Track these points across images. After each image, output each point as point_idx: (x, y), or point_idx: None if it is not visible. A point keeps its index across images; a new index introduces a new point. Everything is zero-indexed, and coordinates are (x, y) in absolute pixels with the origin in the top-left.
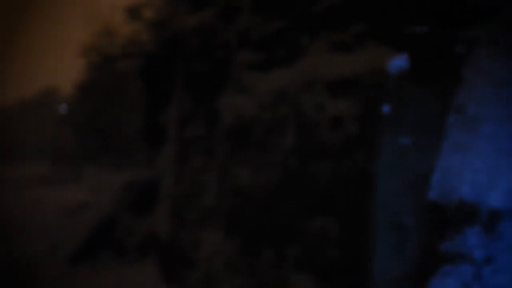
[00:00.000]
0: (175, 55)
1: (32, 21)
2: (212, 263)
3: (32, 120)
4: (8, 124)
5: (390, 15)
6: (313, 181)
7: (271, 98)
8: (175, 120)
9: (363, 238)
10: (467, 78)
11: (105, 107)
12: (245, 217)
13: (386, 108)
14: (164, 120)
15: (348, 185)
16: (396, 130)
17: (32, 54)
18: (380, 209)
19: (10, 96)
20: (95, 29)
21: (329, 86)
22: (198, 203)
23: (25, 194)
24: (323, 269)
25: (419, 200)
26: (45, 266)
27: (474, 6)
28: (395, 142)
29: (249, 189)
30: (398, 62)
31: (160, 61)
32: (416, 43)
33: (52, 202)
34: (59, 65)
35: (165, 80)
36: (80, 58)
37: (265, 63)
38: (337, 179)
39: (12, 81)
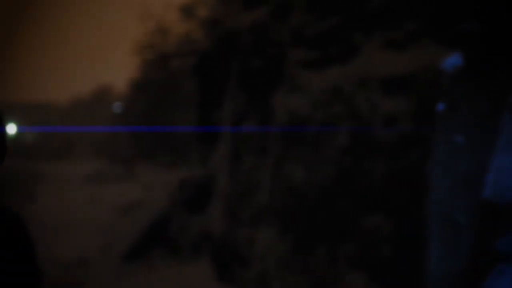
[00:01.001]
0: (229, 53)
1: (86, 20)
2: (266, 261)
3: (86, 118)
4: (63, 122)
5: (444, 13)
6: (367, 179)
7: (324, 96)
8: (228, 118)
9: (417, 236)
10: None
11: (159, 105)
12: (298, 215)
13: (440, 106)
14: (217, 118)
15: (402, 183)
16: (450, 128)
17: (87, 53)
18: (434, 207)
19: (65, 94)
20: (149, 27)
21: (383, 84)
22: (252, 201)
23: (79, 192)
24: (377, 267)
25: (473, 199)
26: (100, 264)
27: None
28: (449, 140)
29: (303, 187)
30: (452, 60)
31: (213, 59)
32: (470, 41)
33: (106, 200)
34: (113, 63)
35: (219, 78)
36: (134, 56)
37: (318, 61)
38: (391, 177)
39: (67, 79)
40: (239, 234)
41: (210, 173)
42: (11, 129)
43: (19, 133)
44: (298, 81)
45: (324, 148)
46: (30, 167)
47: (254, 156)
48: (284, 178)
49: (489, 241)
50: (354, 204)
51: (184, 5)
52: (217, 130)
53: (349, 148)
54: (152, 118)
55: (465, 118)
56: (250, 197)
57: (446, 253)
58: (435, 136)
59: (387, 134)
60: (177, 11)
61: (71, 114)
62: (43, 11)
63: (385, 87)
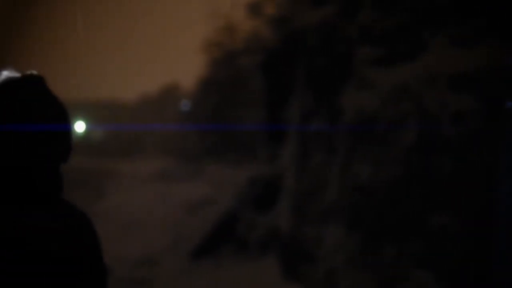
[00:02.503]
0: (296, 51)
1: (154, 18)
2: (333, 259)
3: (154, 116)
4: (131, 120)
5: (511, 9)
6: (435, 177)
7: (392, 94)
8: (296, 116)
9: (484, 235)
10: None
11: (227, 103)
12: (366, 213)
13: (509, 103)
14: (285, 115)
15: (470, 182)
16: None
17: (154, 51)
18: (502, 206)
19: (133, 92)
20: (216, 25)
21: (451, 81)
22: (320, 198)
23: (147, 190)
24: (445, 266)
25: None
26: (168, 262)
27: None
28: None
29: (370, 185)
30: None
31: (281, 57)
32: None
33: (175, 198)
34: (181, 61)
35: (287, 76)
36: (201, 54)
37: (386, 59)
38: (459, 176)
39: (135, 77)
40: (306, 232)
41: (278, 171)
42: (81, 127)
43: (88, 131)
44: (365, 79)
45: (392, 146)
46: (98, 165)
47: (321, 154)
48: (352, 176)
49: None
50: (421, 203)
51: (251, 3)
52: (285, 128)
53: (417, 146)
54: (219, 116)
55: None
56: (318, 195)
57: None
58: (504, 134)
59: (455, 132)
60: (244, 8)
61: (139, 112)
62: (109, 10)
63: (453, 85)
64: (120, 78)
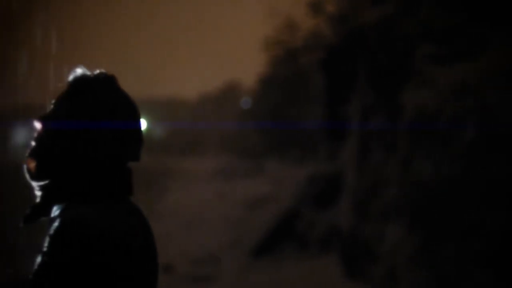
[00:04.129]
0: (357, 49)
1: (215, 17)
2: (394, 257)
3: (214, 114)
4: (191, 118)
5: None
6: (496, 174)
7: (453, 91)
8: (356, 114)
9: None
10: None
11: (287, 101)
12: (427, 211)
13: None
14: (346, 113)
15: None
16: None
17: (215, 49)
18: None
19: (193, 90)
20: (277, 23)
21: (511, 78)
22: (380, 196)
23: (208, 188)
24: (505, 265)
25: None
26: (229, 259)
27: None
28: None
29: (431, 183)
30: None
31: (341, 54)
32: None
33: (235, 196)
34: (242, 60)
35: (347, 74)
36: (262, 52)
37: (446, 56)
38: None
39: (196, 75)
40: (367, 229)
41: (338, 169)
42: (142, 125)
43: (149, 129)
44: (426, 77)
45: (452, 144)
46: (160, 163)
47: (382, 151)
48: (413, 174)
49: None
50: (482, 201)
51: (311, 1)
52: (345, 126)
53: (478, 144)
54: (280, 114)
55: None
56: (378, 192)
57: None
58: None
59: None
60: (304, 7)
61: (200, 109)
62: (171, 10)
63: None
64: (181, 76)
